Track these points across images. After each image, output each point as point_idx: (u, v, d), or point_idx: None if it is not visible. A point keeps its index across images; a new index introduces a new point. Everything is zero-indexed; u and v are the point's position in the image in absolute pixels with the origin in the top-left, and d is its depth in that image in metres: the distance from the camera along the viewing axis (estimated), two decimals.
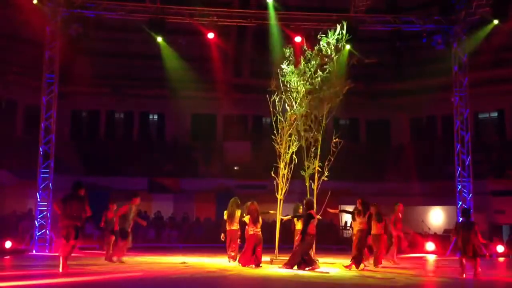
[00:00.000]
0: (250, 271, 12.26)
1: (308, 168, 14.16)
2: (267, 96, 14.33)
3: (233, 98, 26.50)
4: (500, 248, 18.15)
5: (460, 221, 12.04)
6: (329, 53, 14.21)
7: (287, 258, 12.85)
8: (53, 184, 17.18)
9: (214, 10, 18.35)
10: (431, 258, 17.70)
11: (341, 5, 20.09)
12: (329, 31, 14.50)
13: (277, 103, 14.28)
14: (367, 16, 18.70)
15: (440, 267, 14.59)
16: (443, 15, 18.55)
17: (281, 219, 14.32)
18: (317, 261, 12.88)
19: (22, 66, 23.33)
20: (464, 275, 11.45)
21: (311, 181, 14.05)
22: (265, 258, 13.61)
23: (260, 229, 13.17)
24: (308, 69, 14.26)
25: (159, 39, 18.50)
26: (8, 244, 16.36)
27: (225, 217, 13.95)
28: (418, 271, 13.12)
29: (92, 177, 22.72)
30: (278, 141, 14.35)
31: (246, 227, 13.29)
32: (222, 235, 14.00)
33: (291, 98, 14.30)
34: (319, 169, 14.07)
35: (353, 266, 12.75)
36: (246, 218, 13.26)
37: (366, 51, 18.10)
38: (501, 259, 17.54)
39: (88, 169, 24.03)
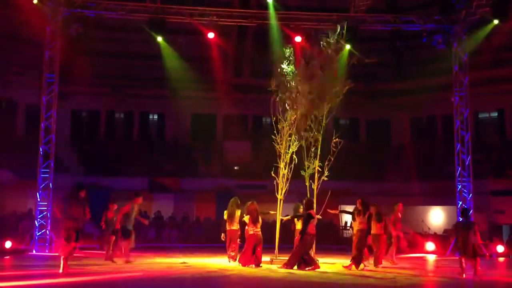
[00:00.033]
0: (250, 271, 12.26)
1: (308, 168, 14.17)
2: (267, 96, 14.33)
3: (233, 98, 26.50)
4: (500, 248, 18.15)
5: (459, 221, 12.02)
6: (329, 53, 14.20)
7: (287, 258, 12.85)
8: (53, 184, 17.17)
9: (215, 10, 18.34)
10: (431, 258, 17.70)
11: (341, 5, 20.07)
12: (329, 32, 14.50)
13: (277, 103, 14.27)
14: (367, 16, 18.69)
15: (440, 267, 14.59)
16: (443, 15, 18.54)
17: (281, 219, 14.32)
18: (317, 261, 12.88)
19: (22, 66, 23.34)
20: (464, 275, 11.45)
21: (311, 181, 14.06)
22: (265, 258, 13.61)
23: (260, 229, 13.18)
24: (308, 69, 14.25)
25: (159, 39, 18.50)
26: (8, 244, 16.36)
27: (225, 217, 13.96)
28: (418, 271, 13.12)
29: (92, 177, 22.77)
30: (278, 141, 14.35)
31: (246, 227, 13.29)
32: (223, 235, 14.00)
33: (291, 98, 14.30)
34: (319, 169, 14.08)
35: (353, 266, 12.74)
36: (246, 218, 13.27)
37: (366, 51, 18.06)
38: (501, 259, 17.53)
39: (88, 169, 24.05)
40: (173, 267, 12.98)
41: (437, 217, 23.68)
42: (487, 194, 21.67)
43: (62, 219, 11.28)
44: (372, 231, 13.49)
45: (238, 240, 13.89)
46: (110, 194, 19.47)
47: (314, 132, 14.18)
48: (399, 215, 14.92)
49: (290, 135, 14.26)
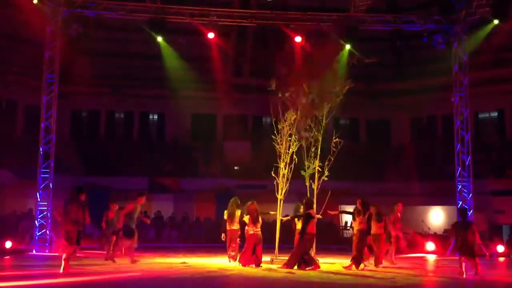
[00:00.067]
0: (250, 271, 12.26)
1: (308, 168, 14.17)
2: (267, 96, 14.34)
3: (233, 98, 26.49)
4: (500, 248, 18.15)
5: (457, 221, 12.01)
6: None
7: (287, 258, 12.85)
8: (53, 184, 17.16)
9: (214, 10, 18.34)
10: (431, 258, 17.70)
11: (341, 5, 20.08)
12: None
13: (277, 103, 14.28)
14: (367, 16, 18.69)
15: (440, 267, 14.58)
16: (444, 15, 18.54)
17: (281, 220, 14.32)
18: (317, 261, 12.88)
19: (22, 66, 23.32)
20: (464, 275, 11.44)
21: (311, 181, 14.06)
22: (265, 258, 13.61)
23: (260, 229, 13.18)
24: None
25: (159, 39, 18.50)
26: (8, 244, 16.36)
27: (225, 217, 13.96)
28: (418, 271, 13.12)
29: (92, 177, 22.78)
30: (278, 141, 14.35)
31: (246, 227, 13.30)
32: (223, 235, 14.00)
33: (291, 98, 14.30)
34: (319, 169, 14.08)
35: (353, 266, 12.74)
36: (246, 218, 13.27)
37: (366, 51, 18.11)
38: (501, 259, 17.53)
39: (88, 169, 24.05)
40: (173, 267, 12.98)
41: (437, 217, 23.69)
42: (487, 194, 21.67)
43: (63, 222, 11.30)
44: (372, 231, 13.50)
45: (238, 239, 13.89)
46: (110, 194, 19.49)
47: (314, 132, 14.18)
48: (399, 215, 14.92)
49: (290, 135, 14.26)
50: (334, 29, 16.61)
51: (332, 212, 14.31)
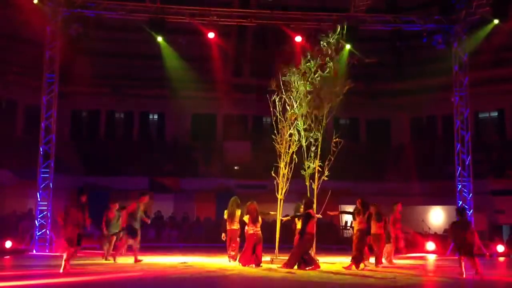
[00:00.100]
0: (250, 270, 12.25)
1: (308, 168, 14.16)
2: (267, 96, 14.34)
3: (233, 98, 26.50)
4: (500, 248, 18.14)
5: (455, 221, 11.98)
6: (329, 53, 14.20)
7: (287, 257, 12.84)
8: (53, 184, 17.17)
9: (214, 9, 18.34)
10: (431, 258, 17.69)
11: (341, 4, 20.08)
12: (329, 32, 14.50)
13: (277, 103, 14.28)
14: (367, 16, 18.69)
15: (440, 267, 14.58)
16: (444, 15, 18.55)
17: (281, 220, 14.32)
18: (317, 261, 12.88)
19: (22, 66, 23.33)
20: (464, 275, 11.44)
21: (311, 181, 14.05)
22: (265, 258, 13.61)
23: (259, 229, 13.18)
24: (308, 69, 14.26)
25: (159, 38, 18.51)
26: (8, 244, 16.36)
27: (225, 216, 13.95)
28: (418, 271, 13.12)
29: (92, 177, 22.79)
30: (278, 141, 14.35)
31: (246, 226, 13.30)
32: (223, 235, 13.99)
33: (291, 98, 14.31)
34: (319, 169, 14.07)
35: (353, 266, 12.73)
36: (246, 218, 13.28)
37: (367, 51, 18.09)
38: (501, 259, 17.53)
39: (88, 169, 24.05)
40: (173, 267, 12.98)
41: (437, 217, 23.69)
42: (487, 194, 21.67)
43: (63, 224, 11.35)
44: (372, 231, 13.50)
45: (238, 239, 13.89)
46: (110, 194, 19.48)
47: (314, 132, 14.18)
48: (399, 215, 14.91)
49: (290, 135, 14.26)
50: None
51: (332, 213, 14.30)
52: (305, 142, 14.24)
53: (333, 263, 13.98)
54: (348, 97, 14.70)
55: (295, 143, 14.20)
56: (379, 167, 25.29)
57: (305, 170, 14.20)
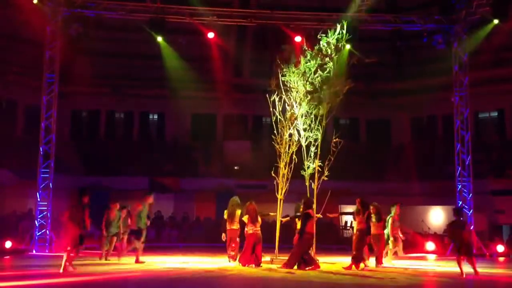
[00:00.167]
0: (250, 271, 12.25)
1: (308, 168, 14.16)
2: (267, 96, 14.34)
3: (233, 98, 26.50)
4: (500, 248, 18.16)
5: (452, 221, 11.96)
6: (329, 53, 14.21)
7: (287, 257, 12.84)
8: (53, 184, 17.17)
9: (214, 9, 18.35)
10: (431, 258, 17.69)
11: (341, 4, 20.06)
12: (329, 31, 14.50)
13: (277, 103, 14.29)
14: (367, 16, 18.69)
15: (440, 267, 14.57)
16: (444, 15, 18.54)
17: (281, 220, 14.31)
18: (317, 261, 12.88)
19: (22, 66, 23.33)
20: (464, 275, 11.44)
21: (311, 181, 14.05)
22: (265, 258, 13.61)
23: (259, 228, 13.18)
24: (308, 69, 14.26)
25: (159, 38, 18.51)
26: (8, 244, 16.37)
27: (225, 216, 13.95)
28: (418, 271, 13.11)
29: (92, 177, 22.79)
30: (278, 141, 14.35)
31: (246, 226, 13.29)
32: (223, 235, 13.98)
33: (291, 98, 14.31)
34: (319, 169, 14.07)
35: (353, 266, 12.73)
36: (245, 218, 13.28)
37: (367, 51, 18.07)
38: (501, 258, 17.54)
39: (88, 169, 24.06)
40: (173, 267, 12.97)
41: (437, 217, 23.69)
42: (487, 194, 21.67)
43: (66, 226, 11.37)
44: (372, 231, 13.49)
45: (238, 239, 13.88)
46: (110, 194, 19.48)
47: (314, 132, 14.18)
48: (397, 217, 14.76)
49: (290, 135, 14.27)
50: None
51: (331, 215, 14.29)
52: (305, 142, 14.25)
53: (333, 263, 13.98)
54: (348, 97, 14.68)
55: (295, 143, 14.20)
56: (379, 167, 25.29)
57: (305, 170, 14.20)
